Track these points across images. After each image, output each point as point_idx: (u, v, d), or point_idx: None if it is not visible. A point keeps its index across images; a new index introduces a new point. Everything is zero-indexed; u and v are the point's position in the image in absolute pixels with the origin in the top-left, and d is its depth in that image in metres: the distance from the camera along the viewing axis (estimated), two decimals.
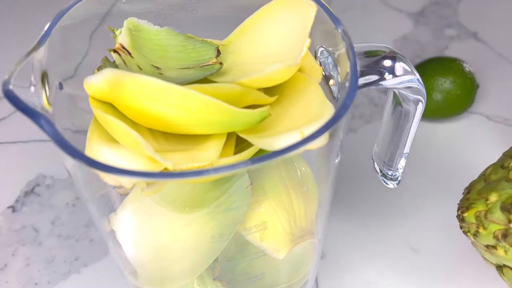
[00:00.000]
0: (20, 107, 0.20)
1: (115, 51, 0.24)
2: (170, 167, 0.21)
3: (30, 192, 0.44)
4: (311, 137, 0.20)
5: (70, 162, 0.21)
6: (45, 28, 0.24)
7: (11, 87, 0.21)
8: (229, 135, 0.23)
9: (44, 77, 0.23)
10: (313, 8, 0.24)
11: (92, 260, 0.39)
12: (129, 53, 0.24)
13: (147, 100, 0.21)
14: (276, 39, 0.26)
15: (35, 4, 0.62)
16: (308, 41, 0.23)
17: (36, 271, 0.39)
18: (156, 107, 0.21)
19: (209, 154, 0.22)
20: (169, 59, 0.26)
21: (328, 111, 0.22)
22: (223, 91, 0.22)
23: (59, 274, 0.38)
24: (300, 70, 0.25)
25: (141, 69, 0.25)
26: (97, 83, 0.22)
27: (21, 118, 0.23)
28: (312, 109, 0.23)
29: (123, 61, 0.25)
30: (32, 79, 0.22)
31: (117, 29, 0.25)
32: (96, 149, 0.23)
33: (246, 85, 0.23)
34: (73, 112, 0.26)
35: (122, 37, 0.25)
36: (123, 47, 0.24)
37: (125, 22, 0.25)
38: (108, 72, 0.22)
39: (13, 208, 0.42)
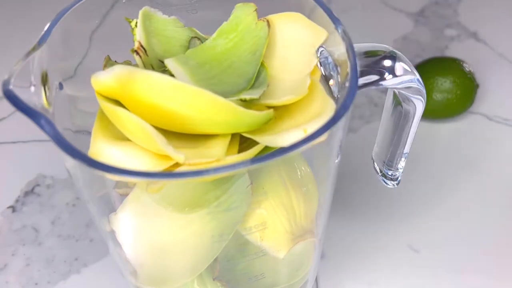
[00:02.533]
0: (20, 107, 0.20)
1: (136, 52, 0.24)
2: (181, 160, 0.21)
3: (30, 192, 0.44)
4: (315, 134, 0.20)
5: (70, 162, 0.21)
6: (45, 28, 0.24)
7: (11, 87, 0.21)
8: (233, 133, 0.24)
9: (44, 77, 0.23)
10: (324, 34, 0.25)
11: (92, 260, 0.39)
12: (145, 51, 0.25)
13: (158, 97, 0.21)
14: (284, 49, 0.26)
15: (35, 4, 0.62)
16: (315, 61, 0.24)
17: (36, 271, 0.39)
18: (166, 104, 0.21)
19: (216, 151, 0.22)
20: (172, 54, 0.26)
21: (330, 108, 0.23)
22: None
23: (59, 274, 0.38)
24: None
25: (154, 68, 0.25)
26: (107, 79, 0.22)
27: (21, 118, 0.23)
28: (314, 106, 0.24)
29: (143, 62, 0.25)
30: (32, 79, 0.22)
31: (132, 20, 0.25)
32: (101, 147, 0.23)
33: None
34: (73, 112, 0.26)
35: (139, 34, 0.25)
36: (141, 46, 0.24)
37: (140, 13, 0.25)
38: (118, 69, 0.22)
39: (13, 208, 0.42)
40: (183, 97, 0.21)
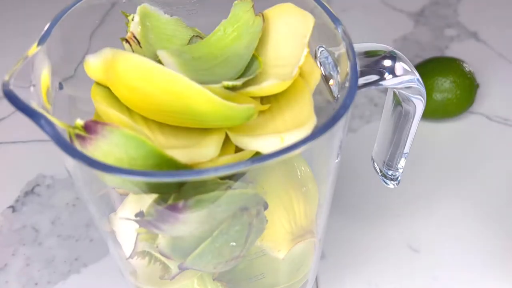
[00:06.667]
0: (20, 107, 0.20)
1: (127, 41, 0.25)
2: None
3: (30, 192, 0.44)
4: (290, 148, 0.20)
5: (70, 162, 0.21)
6: (45, 28, 0.24)
7: (11, 87, 0.21)
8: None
9: (44, 77, 0.23)
10: (311, 20, 0.25)
11: (92, 260, 0.39)
12: (139, 43, 0.25)
13: (138, 79, 0.22)
14: (277, 42, 0.26)
15: (35, 4, 0.62)
16: (306, 51, 0.24)
17: (36, 271, 0.39)
18: (145, 87, 0.22)
19: (209, 151, 0.22)
20: None
21: (311, 123, 0.22)
22: (214, 91, 0.22)
23: (59, 274, 0.38)
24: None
25: None
26: (95, 62, 0.23)
27: (21, 118, 0.23)
28: (298, 114, 0.23)
29: (132, 51, 0.25)
30: (32, 79, 0.22)
31: (130, 14, 0.26)
32: None
33: (241, 94, 0.24)
34: (73, 112, 0.26)
35: (134, 26, 0.25)
36: (134, 37, 0.25)
37: (138, 9, 0.26)
38: (106, 51, 0.23)
39: (13, 208, 0.42)
40: (160, 81, 0.22)
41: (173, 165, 0.21)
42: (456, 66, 0.46)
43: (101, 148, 0.20)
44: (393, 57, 0.26)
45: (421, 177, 0.44)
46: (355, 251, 0.39)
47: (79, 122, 0.20)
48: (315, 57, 0.27)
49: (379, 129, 0.33)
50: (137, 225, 0.23)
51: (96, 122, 0.20)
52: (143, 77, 0.22)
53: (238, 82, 0.23)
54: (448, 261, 0.39)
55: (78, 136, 0.20)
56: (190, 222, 0.22)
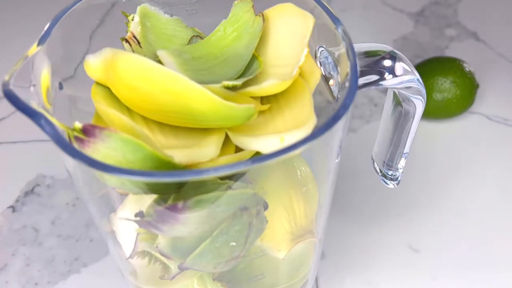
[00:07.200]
0: (20, 107, 0.20)
1: (126, 41, 0.25)
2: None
3: (30, 192, 0.44)
4: (290, 147, 0.20)
5: (70, 162, 0.21)
6: (45, 28, 0.24)
7: (11, 87, 0.21)
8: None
9: (44, 77, 0.23)
10: (311, 20, 0.25)
11: (92, 260, 0.39)
12: (139, 43, 0.25)
13: (138, 79, 0.22)
14: (277, 42, 0.26)
15: (35, 4, 0.62)
16: (306, 51, 0.24)
17: (36, 271, 0.39)
18: (145, 87, 0.22)
19: (209, 151, 0.22)
20: None
21: (311, 123, 0.22)
22: (214, 91, 0.22)
23: (59, 274, 0.38)
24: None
25: None
26: (95, 62, 0.23)
27: (21, 118, 0.23)
28: (298, 114, 0.23)
29: (132, 51, 0.25)
30: (32, 79, 0.22)
31: (130, 14, 0.26)
32: None
33: (241, 94, 0.24)
34: (73, 112, 0.26)
35: (134, 26, 0.25)
36: (134, 36, 0.25)
37: (138, 9, 0.26)
38: (106, 51, 0.23)
39: (13, 208, 0.42)
40: (159, 80, 0.22)
41: (171, 168, 0.21)
42: (456, 66, 0.46)
43: (99, 151, 0.20)
44: (393, 57, 0.26)
45: (421, 177, 0.44)
46: (355, 251, 0.39)
47: (78, 125, 0.20)
48: (315, 57, 0.27)
49: (379, 129, 0.33)
50: (137, 225, 0.23)
51: (94, 126, 0.20)
52: (143, 77, 0.22)
53: (238, 82, 0.23)
54: (448, 261, 0.39)
55: (77, 139, 0.20)
56: (189, 222, 0.22)
